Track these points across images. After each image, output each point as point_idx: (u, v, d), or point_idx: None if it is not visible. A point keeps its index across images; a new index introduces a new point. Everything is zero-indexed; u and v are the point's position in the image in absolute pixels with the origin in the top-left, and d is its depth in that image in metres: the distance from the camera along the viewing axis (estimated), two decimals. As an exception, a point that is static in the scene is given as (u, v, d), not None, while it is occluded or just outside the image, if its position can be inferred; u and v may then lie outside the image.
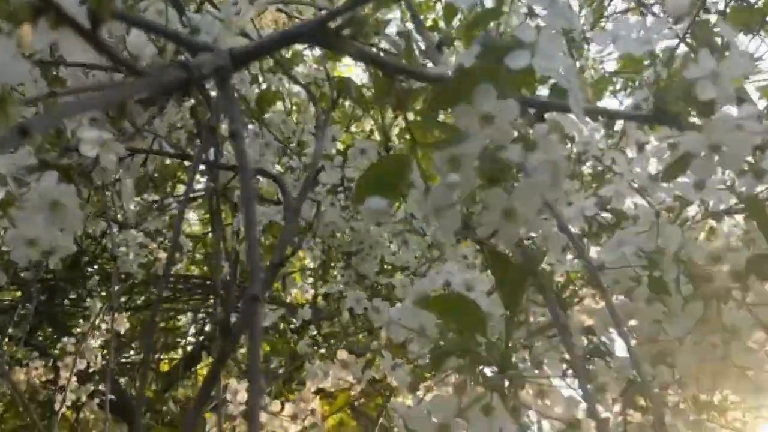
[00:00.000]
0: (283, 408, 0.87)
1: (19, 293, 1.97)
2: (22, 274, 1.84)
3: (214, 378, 0.50)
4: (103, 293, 1.74)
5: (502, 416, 0.50)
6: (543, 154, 0.40)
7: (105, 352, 1.45)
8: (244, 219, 0.29)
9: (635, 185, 0.78)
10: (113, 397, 1.82)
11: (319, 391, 1.01)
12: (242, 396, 0.89)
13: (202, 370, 2.17)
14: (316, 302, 1.64)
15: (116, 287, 1.20)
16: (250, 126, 1.16)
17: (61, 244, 0.51)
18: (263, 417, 0.82)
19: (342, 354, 0.96)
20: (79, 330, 1.79)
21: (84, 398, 1.50)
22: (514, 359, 0.51)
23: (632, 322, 0.76)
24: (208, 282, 2.40)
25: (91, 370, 1.48)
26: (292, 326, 1.43)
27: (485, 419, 0.49)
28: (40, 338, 2.22)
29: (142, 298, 2.30)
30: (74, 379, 1.43)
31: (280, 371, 1.29)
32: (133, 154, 0.63)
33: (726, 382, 0.68)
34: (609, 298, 0.58)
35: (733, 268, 0.49)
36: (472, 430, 0.50)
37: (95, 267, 1.88)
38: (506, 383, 0.49)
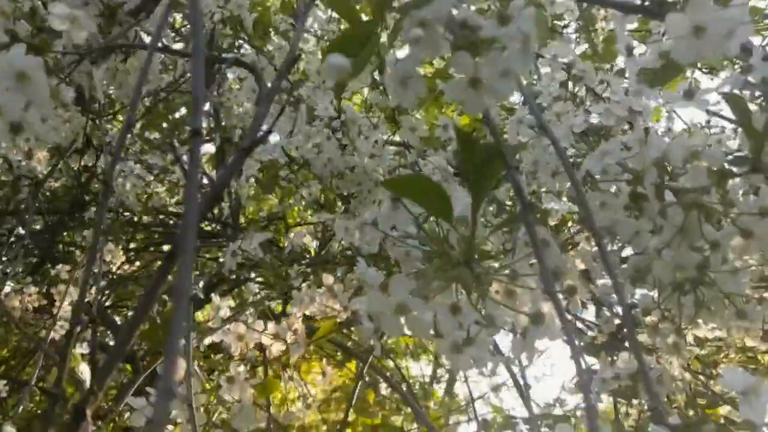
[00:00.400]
0: (266, 327, 0.87)
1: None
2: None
3: (165, 272, 0.49)
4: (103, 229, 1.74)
5: (468, 310, 0.49)
6: (516, 25, 0.39)
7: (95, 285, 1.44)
8: (192, 45, 0.27)
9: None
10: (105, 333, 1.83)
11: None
12: (224, 312, 0.89)
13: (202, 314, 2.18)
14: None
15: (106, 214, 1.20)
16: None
17: (30, 121, 0.50)
18: (241, 328, 0.82)
19: (327, 279, 0.95)
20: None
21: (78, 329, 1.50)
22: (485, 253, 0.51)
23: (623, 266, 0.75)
24: (209, 226, 2.41)
25: (86, 300, 1.48)
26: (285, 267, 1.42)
27: (451, 316, 0.49)
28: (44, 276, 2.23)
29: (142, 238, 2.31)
30: (68, 308, 1.43)
31: (272, 303, 1.29)
32: (113, 49, 0.62)
33: (709, 311, 0.68)
34: (599, 232, 0.56)
35: (712, 165, 0.47)
36: (440, 326, 0.50)
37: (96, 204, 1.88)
38: (473, 278, 0.48)
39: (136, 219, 2.15)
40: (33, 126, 0.50)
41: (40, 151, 1.53)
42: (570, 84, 0.86)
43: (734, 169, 0.49)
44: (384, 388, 2.71)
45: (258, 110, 0.50)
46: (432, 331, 0.47)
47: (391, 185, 0.44)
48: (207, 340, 0.91)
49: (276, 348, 0.86)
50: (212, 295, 0.99)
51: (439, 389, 3.35)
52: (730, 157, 0.52)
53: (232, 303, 0.91)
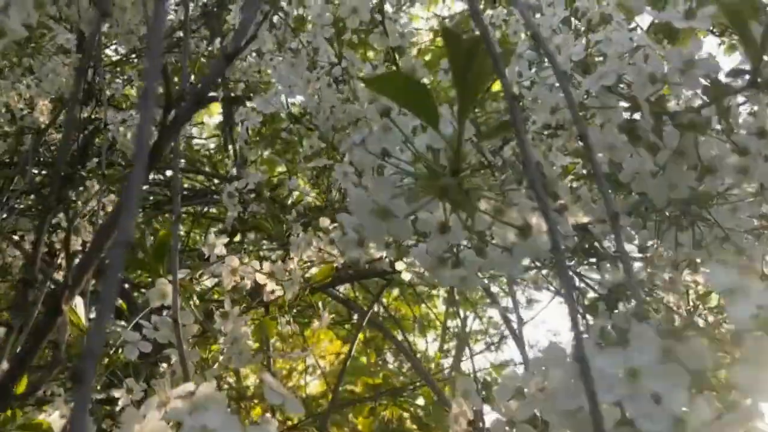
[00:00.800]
0: (261, 267, 0.87)
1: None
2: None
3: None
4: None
5: (457, 229, 0.48)
6: None
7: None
8: None
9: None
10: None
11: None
12: (220, 249, 0.88)
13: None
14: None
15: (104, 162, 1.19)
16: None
17: (11, 27, 0.50)
18: (235, 261, 0.81)
19: (324, 221, 0.95)
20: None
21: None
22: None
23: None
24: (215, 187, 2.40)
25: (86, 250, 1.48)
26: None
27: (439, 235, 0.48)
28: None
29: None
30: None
31: (272, 254, 1.29)
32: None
33: (706, 250, 0.67)
34: (596, 159, 0.55)
35: (707, 74, 0.46)
36: (428, 246, 0.49)
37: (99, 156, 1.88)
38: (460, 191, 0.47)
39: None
40: (14, 32, 0.49)
41: (42, 100, 1.52)
42: (572, 21, 0.85)
43: (732, 83, 0.47)
44: (391, 363, 2.72)
45: (243, 18, 0.49)
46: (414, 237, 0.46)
47: (370, 83, 0.43)
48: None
49: (271, 288, 0.86)
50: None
51: (446, 365, 3.35)
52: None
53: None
